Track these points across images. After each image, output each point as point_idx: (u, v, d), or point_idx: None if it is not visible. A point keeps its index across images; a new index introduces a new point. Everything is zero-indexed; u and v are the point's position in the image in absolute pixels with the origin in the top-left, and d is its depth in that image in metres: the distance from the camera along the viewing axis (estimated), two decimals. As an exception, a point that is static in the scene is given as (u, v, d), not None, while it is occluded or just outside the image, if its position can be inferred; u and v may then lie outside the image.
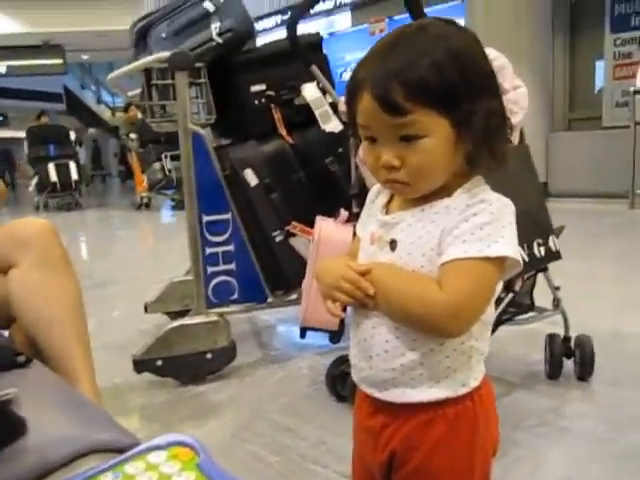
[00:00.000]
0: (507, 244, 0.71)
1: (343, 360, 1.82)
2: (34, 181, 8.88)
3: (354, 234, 1.70)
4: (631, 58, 6.83)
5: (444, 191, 0.76)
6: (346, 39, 9.43)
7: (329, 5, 9.45)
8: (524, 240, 1.57)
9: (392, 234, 0.78)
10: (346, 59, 8.91)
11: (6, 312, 1.30)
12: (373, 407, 0.82)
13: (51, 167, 8.58)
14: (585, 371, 1.91)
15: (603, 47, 7.09)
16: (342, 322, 1.82)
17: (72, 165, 8.78)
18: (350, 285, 0.74)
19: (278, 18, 10.41)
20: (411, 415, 0.77)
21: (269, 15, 10.49)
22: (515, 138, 1.63)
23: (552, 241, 1.63)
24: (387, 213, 0.82)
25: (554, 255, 1.64)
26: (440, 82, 0.70)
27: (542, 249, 1.58)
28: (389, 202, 0.83)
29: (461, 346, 0.76)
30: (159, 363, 2.00)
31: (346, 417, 1.81)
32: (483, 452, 0.80)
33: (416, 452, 0.78)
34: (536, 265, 1.64)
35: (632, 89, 5.46)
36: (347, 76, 0.81)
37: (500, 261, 0.72)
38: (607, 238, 4.54)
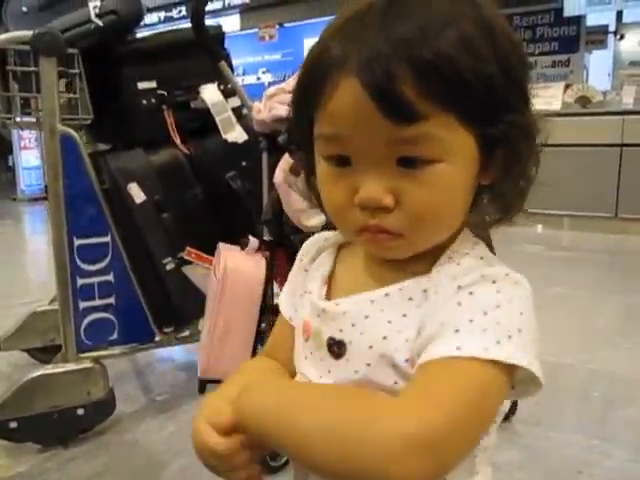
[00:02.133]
0: (525, 346, 0.44)
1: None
2: None
3: (267, 275, 1.43)
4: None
5: (420, 257, 0.50)
6: (234, 43, 9.11)
7: (217, 5, 9.08)
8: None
9: (333, 329, 0.51)
10: (233, 64, 8.61)
11: None
12: None
13: None
14: (509, 410, 1.78)
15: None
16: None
17: None
18: (215, 460, 0.47)
19: (162, 14, 9.83)
20: None
21: (151, 10, 9.89)
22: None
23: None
24: (328, 294, 0.54)
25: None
26: (475, 71, 0.43)
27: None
28: (332, 273, 0.55)
29: None
30: (13, 425, 1.58)
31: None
32: None
33: None
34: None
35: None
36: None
37: (511, 371, 0.44)
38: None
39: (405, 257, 0.50)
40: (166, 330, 1.82)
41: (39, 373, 1.65)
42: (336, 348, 0.50)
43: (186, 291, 1.79)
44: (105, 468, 1.57)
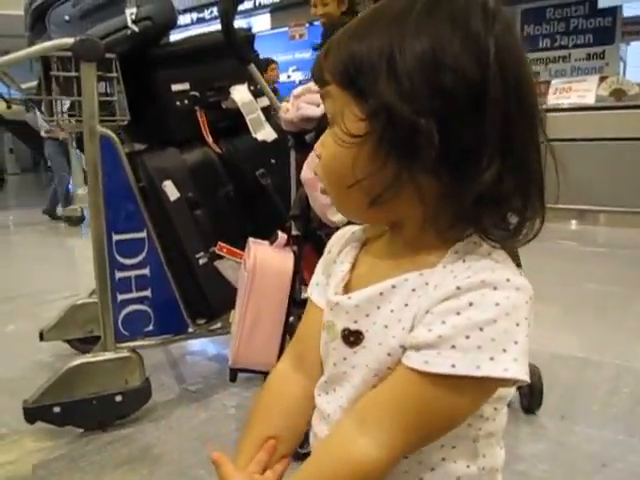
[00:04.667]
0: (518, 356, 0.47)
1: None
2: None
3: (295, 268, 1.48)
4: (537, 78, 7.13)
5: (429, 252, 0.53)
6: (265, 41, 9.21)
7: (248, 5, 9.20)
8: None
9: (347, 321, 0.55)
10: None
11: None
12: None
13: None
14: (533, 403, 1.80)
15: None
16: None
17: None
18: None
19: (194, 15, 9.99)
20: None
21: (183, 12, 10.06)
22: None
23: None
24: (348, 287, 0.58)
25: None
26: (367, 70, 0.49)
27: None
28: (353, 267, 0.59)
29: (467, 470, 0.55)
30: (57, 410, 1.67)
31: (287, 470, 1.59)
32: None
33: None
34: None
35: (543, 106, 5.64)
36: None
37: (500, 382, 0.48)
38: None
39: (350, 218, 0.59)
40: (199, 322, 1.90)
41: (80, 361, 1.74)
42: (352, 338, 0.54)
43: (218, 284, 1.86)
44: (141, 452, 1.65)
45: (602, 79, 5.35)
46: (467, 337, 0.46)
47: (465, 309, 0.47)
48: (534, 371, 1.80)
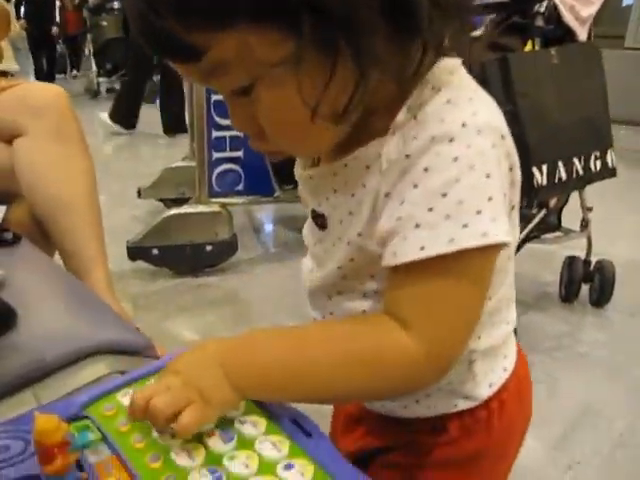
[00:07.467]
0: (496, 215, 0.38)
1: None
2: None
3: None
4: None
5: (381, 114, 0.41)
6: None
7: None
8: (581, 150, 1.39)
9: (314, 202, 0.48)
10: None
11: (7, 185, 1.11)
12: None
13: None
14: (603, 297, 1.82)
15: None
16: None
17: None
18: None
19: None
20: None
21: None
22: (583, 34, 1.42)
23: (610, 155, 1.46)
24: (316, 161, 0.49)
25: (610, 171, 1.48)
26: None
27: (598, 163, 1.41)
28: None
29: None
30: (155, 252, 1.87)
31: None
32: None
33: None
34: (589, 180, 1.47)
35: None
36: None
37: (492, 248, 0.39)
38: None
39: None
40: (285, 187, 2.00)
41: (176, 212, 1.91)
42: (319, 220, 0.48)
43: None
44: (225, 297, 1.84)
45: None
46: (430, 209, 0.38)
47: (421, 178, 0.38)
48: (608, 266, 1.80)
